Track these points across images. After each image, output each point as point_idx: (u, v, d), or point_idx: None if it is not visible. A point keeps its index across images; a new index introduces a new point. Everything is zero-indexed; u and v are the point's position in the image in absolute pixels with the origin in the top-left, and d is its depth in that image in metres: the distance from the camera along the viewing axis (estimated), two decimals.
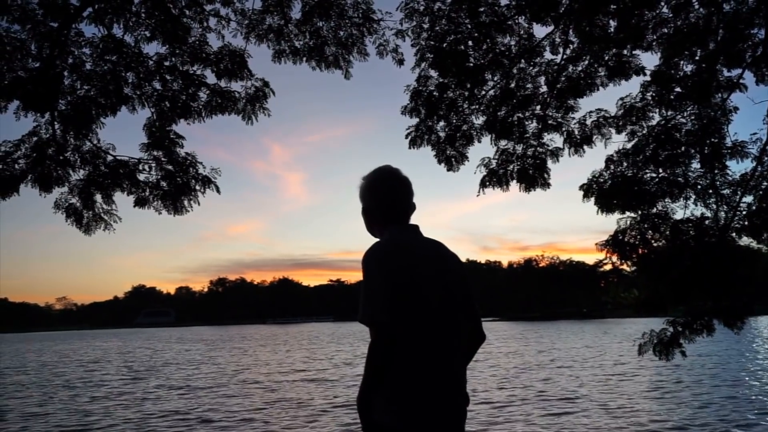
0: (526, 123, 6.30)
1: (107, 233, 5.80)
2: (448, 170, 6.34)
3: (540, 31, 6.00)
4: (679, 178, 6.18)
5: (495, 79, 6.12)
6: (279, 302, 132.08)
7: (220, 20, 5.70)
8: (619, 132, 6.32)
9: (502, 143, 6.34)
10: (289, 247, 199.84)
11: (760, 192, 5.96)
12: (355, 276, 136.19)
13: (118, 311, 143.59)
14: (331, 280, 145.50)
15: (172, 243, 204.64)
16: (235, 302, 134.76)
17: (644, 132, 6.28)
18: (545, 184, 6.25)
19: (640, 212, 6.21)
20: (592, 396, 11.93)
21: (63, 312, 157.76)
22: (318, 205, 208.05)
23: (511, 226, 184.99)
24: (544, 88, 6.21)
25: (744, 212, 6.00)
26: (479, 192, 6.35)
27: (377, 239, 2.17)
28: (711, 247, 5.91)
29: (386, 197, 2.17)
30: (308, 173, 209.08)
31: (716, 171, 6.09)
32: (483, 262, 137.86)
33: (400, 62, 5.91)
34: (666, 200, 6.21)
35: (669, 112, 6.27)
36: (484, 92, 6.16)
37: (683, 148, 6.15)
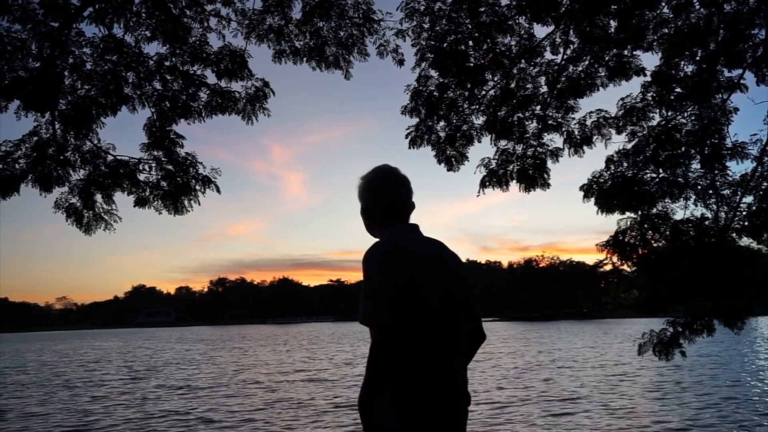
0: (526, 123, 6.30)
1: (107, 233, 5.81)
2: (448, 170, 6.34)
3: (540, 31, 6.01)
4: (680, 179, 6.17)
5: (495, 79, 6.12)
6: (279, 302, 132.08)
7: (220, 20, 5.70)
8: (619, 132, 6.32)
9: (502, 143, 6.34)
10: (289, 247, 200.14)
11: (760, 192, 5.96)
12: (355, 276, 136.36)
13: (119, 311, 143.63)
14: (331, 280, 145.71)
15: (172, 243, 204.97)
16: (235, 302, 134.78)
17: (644, 132, 6.27)
18: (545, 185, 6.25)
19: (640, 213, 6.21)
20: (593, 396, 11.92)
21: (63, 312, 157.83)
22: (318, 205, 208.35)
23: (511, 227, 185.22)
24: (544, 89, 6.21)
25: (744, 213, 6.00)
26: (479, 192, 6.35)
27: (377, 239, 2.17)
28: (711, 248, 5.91)
29: (385, 196, 2.17)
30: (308, 173, 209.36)
31: (716, 171, 6.09)
32: (483, 262, 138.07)
33: (401, 62, 5.91)
34: (666, 201, 6.21)
35: (669, 113, 6.27)
36: (484, 92, 6.16)
37: (683, 149, 6.15)
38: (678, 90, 6.09)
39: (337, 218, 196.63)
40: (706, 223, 6.16)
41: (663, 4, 5.79)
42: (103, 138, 5.65)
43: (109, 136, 5.73)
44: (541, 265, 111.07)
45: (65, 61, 5.36)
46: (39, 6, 5.03)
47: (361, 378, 1.93)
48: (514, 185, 6.31)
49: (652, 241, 6.20)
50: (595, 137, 6.19)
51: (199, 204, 5.73)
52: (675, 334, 5.98)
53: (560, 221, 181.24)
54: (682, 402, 11.00)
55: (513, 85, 6.14)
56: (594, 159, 7.35)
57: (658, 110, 6.27)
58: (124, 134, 7.10)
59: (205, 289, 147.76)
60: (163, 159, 5.74)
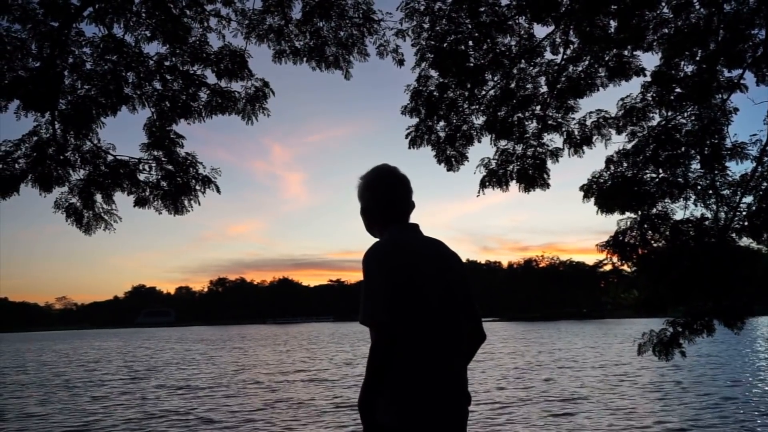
0: (526, 123, 6.30)
1: (107, 233, 5.81)
2: (448, 170, 6.34)
3: (540, 31, 6.01)
4: (679, 179, 6.17)
5: (495, 79, 6.11)
6: (279, 302, 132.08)
7: (220, 20, 5.70)
8: (619, 133, 6.32)
9: (502, 143, 6.34)
10: (289, 247, 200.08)
11: (760, 192, 5.96)
12: (355, 276, 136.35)
13: (119, 311, 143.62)
14: (331, 280, 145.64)
15: (172, 243, 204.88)
16: (235, 302, 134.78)
17: (644, 132, 6.27)
18: (545, 185, 6.25)
19: (640, 213, 6.21)
20: (593, 397, 11.93)
21: (63, 312, 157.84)
22: (318, 205, 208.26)
23: (511, 227, 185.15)
24: (544, 89, 6.21)
25: (744, 213, 6.00)
26: (479, 192, 6.35)
27: (377, 239, 2.16)
28: (711, 248, 5.91)
29: (385, 196, 2.16)
30: (308, 173, 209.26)
31: (716, 172, 6.09)
32: (483, 262, 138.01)
33: (401, 62, 5.91)
34: (666, 201, 6.21)
35: (669, 113, 6.27)
36: (484, 92, 6.16)
37: (683, 149, 6.15)
38: (678, 90, 6.09)
39: (337, 218, 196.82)
40: (706, 223, 6.16)
41: (663, 4, 5.79)
42: (103, 138, 5.65)
43: (109, 136, 5.73)
44: (541, 265, 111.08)
45: (65, 61, 5.36)
46: (39, 6, 5.03)
47: (362, 378, 1.93)
48: (513, 185, 6.31)
49: (652, 242, 6.20)
50: (594, 137, 6.19)
51: (199, 204, 5.73)
52: (675, 334, 5.98)
53: (560, 221, 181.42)
54: (683, 402, 11.01)
55: (513, 85, 6.14)
56: (594, 159, 7.36)
57: (658, 110, 6.27)
58: (124, 134, 7.09)
59: (205, 289, 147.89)
60: (163, 159, 5.74)
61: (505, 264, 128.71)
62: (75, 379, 18.69)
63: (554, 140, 6.30)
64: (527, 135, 6.31)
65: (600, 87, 6.05)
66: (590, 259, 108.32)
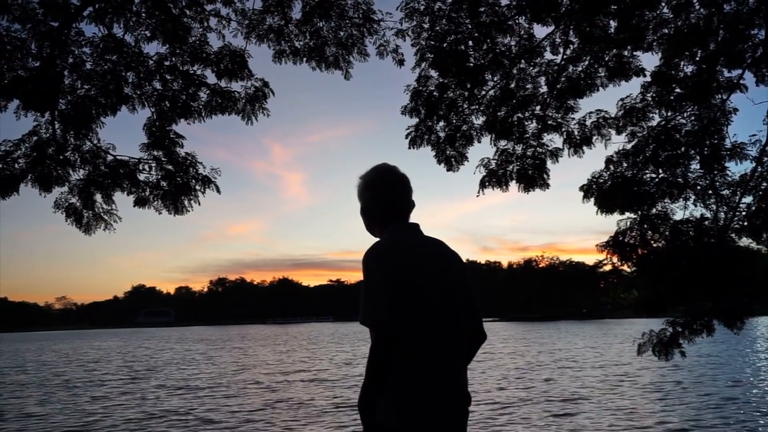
0: (526, 123, 6.30)
1: (107, 233, 5.81)
2: (448, 170, 6.34)
3: (540, 31, 6.00)
4: (679, 179, 6.18)
5: (495, 79, 6.12)
6: (279, 302, 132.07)
7: (220, 20, 5.70)
8: (619, 133, 6.32)
9: (502, 143, 6.34)
10: (289, 247, 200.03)
11: (760, 192, 5.96)
12: (355, 276, 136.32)
13: (118, 311, 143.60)
14: (331, 280, 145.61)
15: (172, 243, 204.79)
16: (235, 302, 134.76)
17: (644, 133, 6.28)
18: (544, 185, 6.25)
19: (639, 213, 6.21)
20: (594, 397, 11.93)
21: (63, 311, 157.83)
22: (318, 205, 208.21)
23: (511, 227, 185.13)
24: (544, 89, 6.21)
25: (743, 213, 6.01)
26: (479, 192, 6.35)
27: (377, 239, 2.16)
28: (710, 248, 5.91)
29: (384, 196, 2.14)
30: (308, 173, 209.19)
31: (716, 172, 6.10)
32: (483, 262, 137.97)
33: (401, 62, 5.91)
34: (666, 201, 6.21)
35: (669, 113, 6.27)
36: (484, 92, 6.16)
37: (683, 149, 6.15)
38: (678, 90, 6.10)
39: (337, 218, 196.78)
40: (706, 223, 6.17)
41: (663, 4, 5.79)
42: (103, 138, 5.65)
43: (109, 136, 5.73)
44: (540, 266, 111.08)
45: (65, 61, 5.36)
46: (39, 5, 5.03)
47: (361, 378, 1.93)
48: (513, 185, 6.32)
49: (652, 242, 6.21)
50: (594, 137, 6.19)
51: (199, 204, 5.73)
52: (674, 334, 5.99)
53: (560, 221, 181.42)
54: (684, 402, 11.01)
55: (513, 86, 6.15)
56: (594, 159, 7.36)
57: (657, 110, 6.28)
58: (124, 134, 7.09)
59: (205, 289, 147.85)
60: (163, 159, 5.74)
61: (505, 264, 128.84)
62: (75, 379, 18.69)
63: (554, 140, 6.31)
64: (527, 135, 6.31)
65: (600, 87, 6.05)
66: (590, 260, 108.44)
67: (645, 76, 6.05)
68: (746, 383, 13.32)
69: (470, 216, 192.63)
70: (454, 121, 6.24)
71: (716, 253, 5.80)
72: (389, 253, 1.98)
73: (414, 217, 2.21)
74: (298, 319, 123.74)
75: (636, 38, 5.72)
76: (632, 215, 6.26)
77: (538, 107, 6.26)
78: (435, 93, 6.05)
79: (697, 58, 5.98)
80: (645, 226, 6.18)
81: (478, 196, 6.35)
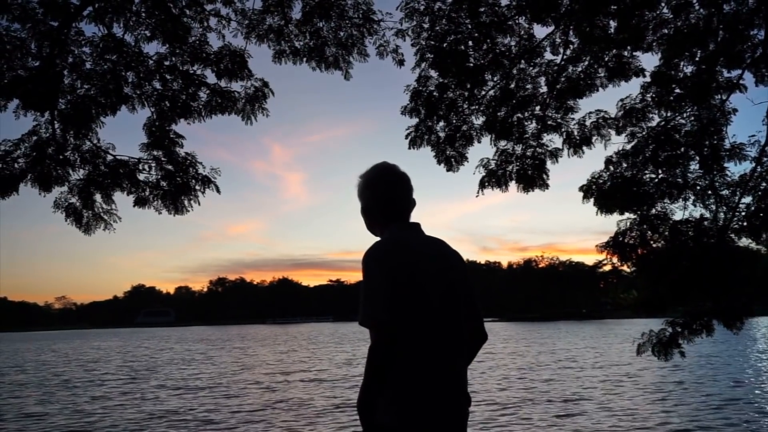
0: (526, 123, 6.30)
1: (107, 233, 5.80)
2: (448, 170, 6.34)
3: (540, 31, 6.00)
4: (679, 179, 6.18)
5: (495, 79, 6.12)
6: (279, 302, 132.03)
7: (220, 20, 5.70)
8: (618, 133, 6.32)
9: (502, 144, 6.34)
10: (289, 247, 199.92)
11: (759, 193, 5.96)
12: (355, 276, 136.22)
13: (118, 311, 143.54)
14: (330, 280, 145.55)
15: (172, 243, 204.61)
16: (235, 302, 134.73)
17: (644, 133, 6.28)
18: (544, 185, 6.25)
19: (639, 213, 6.22)
20: (594, 397, 11.93)
21: (62, 311, 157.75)
22: (318, 205, 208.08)
23: (511, 227, 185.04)
24: (543, 89, 6.21)
25: (743, 213, 6.01)
26: (478, 192, 6.35)
27: (378, 238, 2.14)
28: (710, 248, 5.91)
29: (384, 195, 2.13)
30: (308, 173, 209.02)
31: (715, 172, 6.10)
32: (483, 262, 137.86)
33: (401, 63, 5.91)
34: (665, 201, 6.21)
35: (668, 113, 6.28)
36: (483, 92, 6.16)
37: (682, 150, 6.16)
38: (677, 90, 6.10)
39: (337, 218, 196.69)
40: (705, 223, 6.17)
41: (663, 4, 5.79)
42: (103, 138, 5.64)
43: (108, 135, 5.73)
44: (540, 266, 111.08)
45: (65, 61, 5.36)
46: (38, 5, 5.03)
47: (361, 378, 1.92)
48: (513, 186, 6.32)
49: (652, 242, 6.21)
50: (594, 138, 6.19)
51: (199, 204, 5.73)
52: (674, 335, 5.99)
53: (560, 222, 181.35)
54: (685, 403, 11.01)
55: (513, 86, 6.15)
56: (593, 160, 7.36)
57: (657, 111, 6.28)
58: (123, 134, 7.08)
59: (205, 289, 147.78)
60: (162, 159, 5.74)
61: (504, 264, 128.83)
62: (74, 379, 18.68)
63: (554, 140, 6.31)
64: (527, 135, 6.31)
65: (599, 87, 6.05)
66: (590, 260, 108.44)
67: (645, 76, 6.05)
68: (747, 384, 13.32)
69: (470, 216, 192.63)
70: (454, 121, 6.24)
71: (716, 253, 5.80)
72: (389, 252, 1.97)
73: (414, 218, 2.19)
74: (297, 319, 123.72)
75: (636, 38, 5.73)
76: (632, 215, 6.26)
77: (537, 107, 6.26)
78: (435, 93, 6.05)
79: (697, 59, 5.98)
80: (644, 226, 6.18)
81: (477, 196, 6.35)
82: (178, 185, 5.67)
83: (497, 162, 6.33)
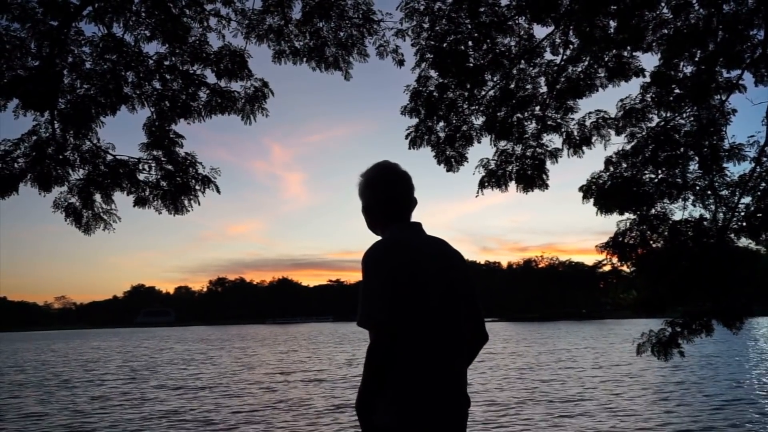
0: (526, 123, 6.30)
1: (107, 233, 5.80)
2: (448, 171, 6.34)
3: (540, 31, 6.01)
4: (678, 180, 6.18)
5: (495, 79, 6.12)
6: (279, 302, 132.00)
7: (220, 20, 5.70)
8: (618, 133, 6.32)
9: (502, 144, 6.34)
10: (289, 247, 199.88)
11: (759, 193, 5.97)
12: (354, 276, 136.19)
13: (118, 311, 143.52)
14: (330, 280, 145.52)
15: (172, 243, 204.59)
16: (235, 302, 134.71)
17: (643, 133, 6.28)
18: (543, 185, 6.25)
19: (639, 213, 6.22)
20: (594, 397, 11.93)
21: (62, 311, 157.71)
22: (318, 205, 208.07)
23: (511, 227, 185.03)
24: (543, 89, 6.21)
25: (742, 213, 6.01)
26: (478, 193, 6.35)
27: (379, 237, 2.13)
28: (710, 248, 5.92)
29: (385, 194, 2.11)
30: (308, 173, 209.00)
31: (714, 172, 6.10)
32: (482, 262, 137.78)
33: (401, 63, 5.91)
34: (665, 201, 6.22)
35: (668, 114, 6.28)
36: (483, 93, 6.16)
37: (682, 150, 6.16)
38: (677, 91, 6.10)
39: (337, 218, 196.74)
40: (705, 223, 6.17)
41: (663, 4, 5.80)
42: (103, 137, 5.64)
43: (108, 135, 5.72)
44: (540, 266, 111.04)
45: (64, 60, 5.36)
46: (38, 5, 5.03)
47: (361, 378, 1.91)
48: (513, 186, 6.31)
49: (651, 242, 6.21)
50: (594, 138, 6.19)
51: (199, 204, 5.73)
52: (673, 335, 5.99)
53: (560, 222, 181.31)
54: (685, 403, 11.01)
55: (512, 86, 6.15)
56: (593, 160, 7.36)
57: (657, 111, 6.28)
58: (123, 134, 7.08)
59: (205, 289, 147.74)
60: (162, 159, 5.74)
61: (504, 264, 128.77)
62: (74, 379, 18.68)
63: (553, 141, 6.31)
64: (526, 135, 6.31)
65: (599, 87, 6.05)
66: (590, 260, 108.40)
67: (644, 76, 6.06)
68: (748, 384, 13.32)
69: (470, 216, 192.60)
70: (454, 121, 6.24)
71: (715, 253, 5.81)
72: (389, 251, 1.96)
73: (414, 218, 2.17)
74: (297, 319, 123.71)
75: (636, 39, 5.73)
76: (631, 216, 6.27)
77: (537, 107, 6.26)
78: (435, 93, 6.05)
79: (697, 59, 5.98)
80: (644, 226, 6.19)
81: (477, 196, 6.35)
82: (178, 185, 5.67)
83: (497, 162, 6.33)
